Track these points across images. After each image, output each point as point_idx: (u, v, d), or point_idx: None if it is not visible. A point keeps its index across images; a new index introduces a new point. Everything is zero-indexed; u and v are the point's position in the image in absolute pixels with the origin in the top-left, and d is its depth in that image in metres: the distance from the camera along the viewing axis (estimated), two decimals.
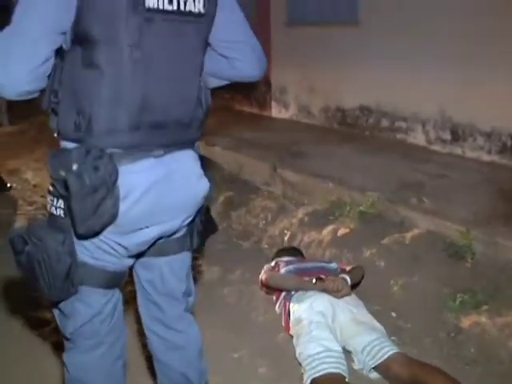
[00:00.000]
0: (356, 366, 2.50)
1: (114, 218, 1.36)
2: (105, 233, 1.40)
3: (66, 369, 1.57)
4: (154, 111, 1.40)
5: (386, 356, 2.42)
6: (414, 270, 3.16)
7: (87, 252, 1.44)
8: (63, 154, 1.33)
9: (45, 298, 1.45)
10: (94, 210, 1.30)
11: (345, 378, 2.34)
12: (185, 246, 1.64)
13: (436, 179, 4.22)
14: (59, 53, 1.34)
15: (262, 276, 2.97)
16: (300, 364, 2.47)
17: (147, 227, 1.46)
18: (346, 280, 2.76)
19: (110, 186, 1.31)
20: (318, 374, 2.33)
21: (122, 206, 1.36)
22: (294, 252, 3.30)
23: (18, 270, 1.43)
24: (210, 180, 1.58)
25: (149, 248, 1.55)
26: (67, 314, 1.51)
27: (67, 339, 1.55)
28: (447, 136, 4.90)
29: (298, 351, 2.50)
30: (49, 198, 1.41)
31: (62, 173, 1.29)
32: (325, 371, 2.33)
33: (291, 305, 2.74)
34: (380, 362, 2.42)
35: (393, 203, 3.75)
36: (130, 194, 1.37)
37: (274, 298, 2.97)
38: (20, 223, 4.09)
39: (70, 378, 1.57)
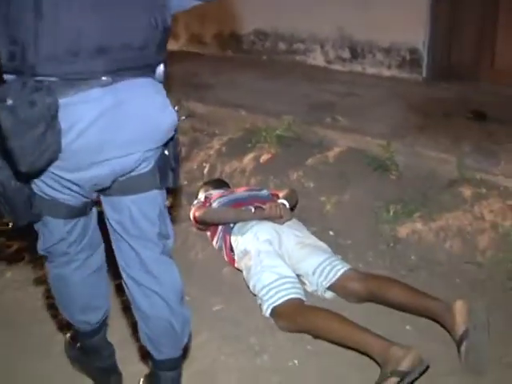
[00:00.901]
0: (309, 289, 2.46)
1: (56, 153, 1.28)
2: (51, 169, 1.34)
3: (48, 279, 1.70)
4: (94, 35, 1.26)
5: (338, 274, 2.39)
6: (343, 186, 3.14)
7: (36, 187, 1.41)
8: (2, 88, 1.22)
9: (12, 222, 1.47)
10: (33, 146, 1.22)
11: (304, 301, 2.29)
12: (153, 184, 1.49)
13: (344, 98, 4.20)
14: None
15: (195, 213, 2.78)
16: (255, 295, 2.37)
17: (97, 163, 1.36)
18: (284, 205, 2.66)
19: (49, 120, 1.21)
20: (277, 303, 2.25)
21: (65, 140, 1.27)
22: (221, 184, 3.13)
23: None
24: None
25: (112, 185, 1.46)
26: (38, 233, 1.56)
27: (43, 254, 1.63)
28: (346, 55, 4.88)
29: (251, 284, 2.40)
30: None
31: None
32: (283, 298, 2.25)
33: (233, 238, 2.61)
34: (333, 280, 2.39)
35: (309, 124, 3.68)
36: (73, 127, 1.27)
37: (209, 233, 2.82)
38: None
39: (52, 288, 1.71)
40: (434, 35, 4.40)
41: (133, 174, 1.45)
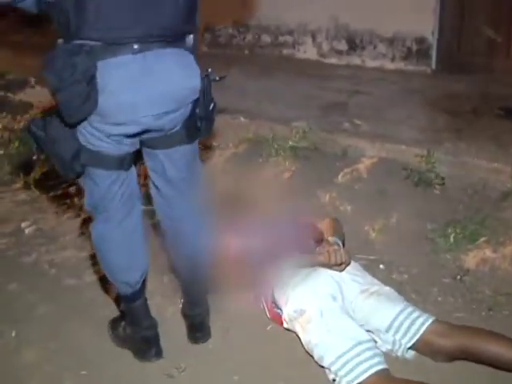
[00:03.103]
0: (383, 348, 1.97)
1: (93, 107, 1.46)
2: (92, 122, 1.52)
3: (92, 239, 1.81)
4: (130, 5, 1.43)
5: (422, 330, 1.92)
6: (386, 208, 2.68)
7: (83, 138, 1.58)
8: (50, 52, 1.45)
9: (61, 174, 1.66)
10: (75, 101, 1.43)
11: (389, 372, 1.80)
12: (181, 141, 1.68)
13: (352, 96, 3.75)
14: None
15: None
16: (322, 367, 1.87)
17: (130, 121, 1.53)
18: (339, 245, 2.16)
19: (88, 79, 1.41)
20: (360, 379, 1.76)
21: (101, 98, 1.46)
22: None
23: (41, 152, 1.63)
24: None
25: (145, 141, 1.65)
26: (85, 189, 1.71)
27: (89, 210, 1.77)
28: (343, 46, 4.41)
29: (315, 353, 1.89)
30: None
31: (45, 71, 1.42)
32: (367, 373, 1.76)
33: (276, 290, 2.09)
34: (416, 338, 1.91)
35: (327, 132, 3.19)
36: (106, 87, 1.45)
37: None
38: None
39: (94, 244, 1.82)
40: (444, 23, 3.98)
41: (162, 132, 1.62)
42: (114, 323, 2.07)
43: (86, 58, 1.41)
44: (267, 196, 2.79)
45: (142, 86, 1.49)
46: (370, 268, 2.37)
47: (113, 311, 2.12)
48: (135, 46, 1.45)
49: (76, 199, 2.90)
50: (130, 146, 1.65)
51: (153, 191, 1.85)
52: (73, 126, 1.54)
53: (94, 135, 1.57)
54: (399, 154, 2.93)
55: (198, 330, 2.03)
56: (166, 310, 2.16)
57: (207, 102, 1.68)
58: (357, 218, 2.64)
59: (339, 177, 2.86)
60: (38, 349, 1.99)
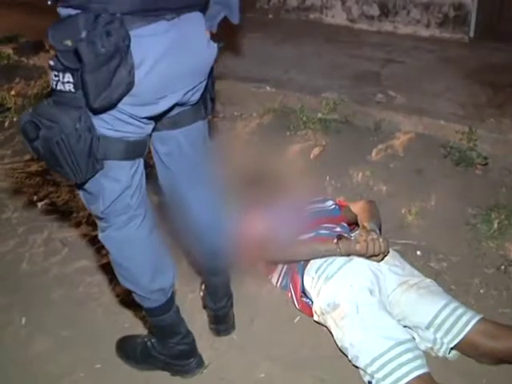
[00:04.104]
0: (421, 346, 1.81)
1: (130, 86, 1.26)
2: (121, 105, 1.30)
3: (108, 250, 1.57)
4: None
5: (467, 329, 1.75)
6: (423, 189, 2.48)
7: (106, 125, 1.35)
8: (68, 22, 1.21)
9: (70, 180, 1.39)
10: (109, 80, 1.22)
11: (431, 377, 1.63)
12: (199, 115, 1.57)
13: (385, 66, 3.50)
14: None
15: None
16: (357, 367, 1.72)
17: (165, 96, 1.36)
18: (377, 233, 1.96)
19: (123, 52, 1.21)
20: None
21: (138, 74, 1.26)
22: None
23: (38, 157, 1.36)
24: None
25: (163, 120, 1.49)
26: (96, 193, 1.46)
27: (100, 219, 1.52)
28: (375, 11, 4.13)
29: (350, 352, 1.73)
30: (53, 74, 1.28)
31: (68, 42, 1.19)
32: (408, 377, 1.60)
33: (307, 280, 1.92)
34: (461, 337, 1.74)
35: (360, 104, 2.97)
36: (144, 60, 1.26)
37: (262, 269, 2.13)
38: None
39: (114, 257, 1.57)
40: None
41: (184, 108, 1.50)
42: (128, 347, 1.83)
43: (120, 28, 1.19)
44: (295, 173, 2.60)
45: (179, 56, 1.32)
46: (405, 254, 2.20)
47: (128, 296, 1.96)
48: (170, 15, 1.28)
49: None
50: (151, 127, 1.47)
51: (162, 173, 1.66)
52: (99, 111, 1.30)
53: (121, 119, 1.35)
54: (438, 129, 2.71)
55: (221, 322, 1.88)
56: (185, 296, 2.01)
57: (211, 72, 1.54)
58: (392, 200, 2.45)
59: (373, 154, 2.66)
60: (50, 337, 1.85)
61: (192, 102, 1.51)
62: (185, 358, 1.75)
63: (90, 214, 2.44)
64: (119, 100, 1.28)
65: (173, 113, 1.49)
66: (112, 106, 1.29)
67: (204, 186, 1.69)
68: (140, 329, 1.89)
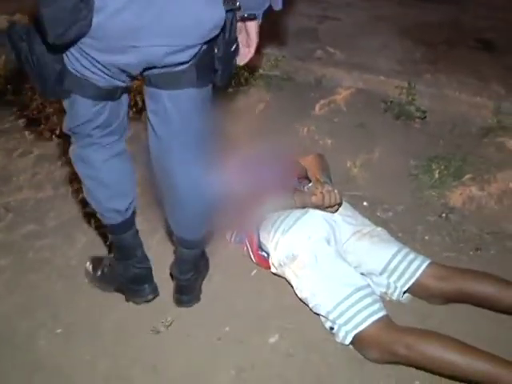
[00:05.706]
0: (377, 291, 1.87)
1: (85, 29, 1.23)
2: (82, 46, 1.30)
3: (73, 163, 1.64)
4: None
5: (418, 273, 1.84)
6: (366, 142, 2.55)
7: (72, 64, 1.38)
8: None
9: (40, 95, 1.67)
10: (64, 16, 1.18)
11: (390, 319, 1.71)
12: (189, 82, 1.42)
13: (322, 22, 3.52)
14: None
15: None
16: (318, 314, 1.76)
17: (128, 48, 1.29)
18: (330, 184, 2.00)
19: None
20: (360, 328, 1.66)
21: (98, 18, 1.22)
22: None
23: (18, 63, 1.38)
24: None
25: (147, 77, 1.43)
26: (66, 110, 1.52)
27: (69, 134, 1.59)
28: None
29: (310, 302, 1.78)
30: None
31: None
32: (368, 321, 1.66)
33: (263, 235, 1.94)
34: (413, 281, 1.83)
35: (301, 60, 2.97)
36: (107, 5, 1.21)
37: None
38: None
39: (79, 173, 1.65)
40: None
41: (167, 69, 1.39)
42: (95, 262, 1.91)
43: None
44: (241, 130, 2.58)
45: (151, 9, 1.22)
46: (353, 205, 2.25)
47: (81, 261, 1.91)
48: None
49: (27, 133, 2.58)
50: (121, 82, 1.45)
51: (149, 132, 1.59)
52: (56, 48, 1.31)
53: (80, 61, 1.35)
54: (378, 85, 2.77)
55: (184, 292, 1.84)
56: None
57: (229, 42, 1.40)
58: (337, 153, 2.49)
59: (316, 109, 2.69)
60: (4, 305, 1.76)
61: (177, 67, 1.39)
62: (139, 281, 1.81)
63: (30, 177, 2.34)
64: (75, 40, 1.28)
65: (154, 72, 1.40)
66: (68, 45, 1.30)
67: (193, 164, 1.58)
68: (97, 290, 1.85)
